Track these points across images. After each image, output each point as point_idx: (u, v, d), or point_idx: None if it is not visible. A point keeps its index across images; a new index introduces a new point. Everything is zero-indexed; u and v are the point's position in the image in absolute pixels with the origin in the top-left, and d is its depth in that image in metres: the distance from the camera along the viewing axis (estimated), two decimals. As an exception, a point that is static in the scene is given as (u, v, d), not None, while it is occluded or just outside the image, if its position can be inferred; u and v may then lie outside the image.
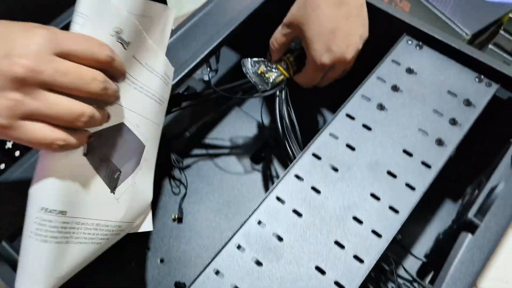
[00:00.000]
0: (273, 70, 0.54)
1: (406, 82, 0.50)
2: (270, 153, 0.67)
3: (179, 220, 0.61)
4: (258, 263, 0.41)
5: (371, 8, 0.53)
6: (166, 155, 0.64)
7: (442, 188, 0.58)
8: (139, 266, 0.58)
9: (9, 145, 0.55)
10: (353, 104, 0.49)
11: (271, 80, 0.53)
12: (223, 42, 0.56)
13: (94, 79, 0.34)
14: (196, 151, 0.67)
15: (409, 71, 0.51)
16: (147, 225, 0.48)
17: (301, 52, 0.54)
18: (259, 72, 0.54)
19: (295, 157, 0.49)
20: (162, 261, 0.58)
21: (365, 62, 0.52)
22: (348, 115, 0.48)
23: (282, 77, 0.54)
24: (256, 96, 0.56)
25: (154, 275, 0.58)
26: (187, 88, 0.73)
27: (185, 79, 0.54)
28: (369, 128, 0.47)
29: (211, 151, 0.67)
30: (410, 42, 0.53)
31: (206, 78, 0.74)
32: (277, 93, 0.54)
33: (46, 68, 0.32)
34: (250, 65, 0.54)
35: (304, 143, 0.51)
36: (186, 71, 0.53)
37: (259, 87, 0.53)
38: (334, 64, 0.50)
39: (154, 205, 0.62)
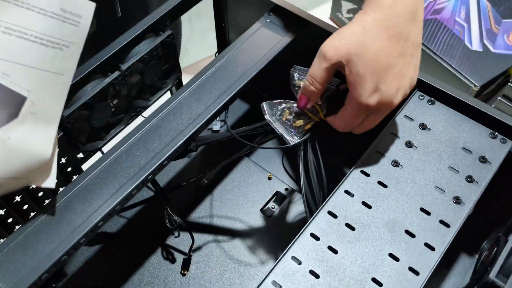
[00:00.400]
0: (301, 116, 0.48)
1: (419, 138, 0.50)
2: (280, 205, 0.66)
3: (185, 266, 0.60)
4: (276, 328, 0.40)
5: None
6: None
7: (458, 242, 0.57)
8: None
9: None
10: (368, 161, 0.49)
11: (300, 130, 0.48)
12: (235, 96, 0.56)
13: None
14: (206, 202, 0.66)
15: (422, 127, 0.51)
16: (49, 182, 0.45)
17: (334, 91, 0.49)
18: (284, 119, 0.49)
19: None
20: (170, 319, 0.57)
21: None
22: (363, 172, 0.48)
23: (311, 123, 0.48)
24: (279, 147, 0.52)
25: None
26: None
27: (198, 132, 0.54)
28: (384, 185, 0.47)
29: (220, 203, 0.66)
30: (422, 97, 0.53)
31: (215, 127, 0.75)
32: (302, 142, 0.48)
33: None
34: (271, 110, 0.49)
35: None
36: (199, 124, 0.53)
37: (287, 138, 0.47)
38: (379, 108, 0.44)
39: (160, 258, 0.61)
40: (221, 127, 0.74)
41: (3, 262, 0.44)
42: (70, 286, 0.60)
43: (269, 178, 0.68)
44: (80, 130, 0.57)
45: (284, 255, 0.43)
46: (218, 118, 0.75)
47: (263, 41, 0.60)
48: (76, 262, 0.62)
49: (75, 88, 0.54)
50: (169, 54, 0.64)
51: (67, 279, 0.61)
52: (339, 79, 0.49)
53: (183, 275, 0.60)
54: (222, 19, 0.73)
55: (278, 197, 0.66)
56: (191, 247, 0.60)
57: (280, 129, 0.48)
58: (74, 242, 0.45)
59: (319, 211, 0.46)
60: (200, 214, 0.65)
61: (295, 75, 0.49)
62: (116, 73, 0.57)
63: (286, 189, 0.67)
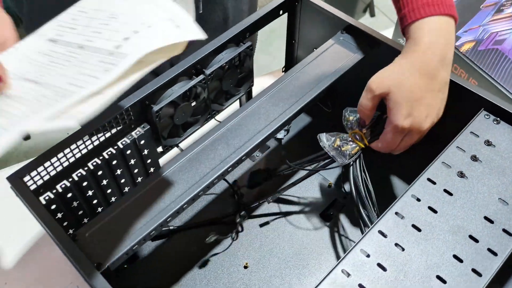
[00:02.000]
0: (348, 142, 0.60)
1: (484, 153, 0.53)
2: (338, 211, 0.70)
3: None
4: (344, 312, 0.43)
5: (454, 84, 0.57)
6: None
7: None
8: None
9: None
10: (434, 170, 0.52)
11: (347, 153, 0.59)
12: (309, 103, 0.61)
13: None
14: (270, 206, 0.71)
15: (488, 143, 0.54)
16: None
17: (375, 123, 0.60)
18: (335, 145, 0.60)
19: (371, 223, 0.52)
20: (231, 306, 0.61)
21: (443, 132, 0.56)
22: (430, 180, 0.51)
23: (357, 148, 0.59)
24: (332, 167, 0.61)
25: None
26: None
27: (272, 135, 0.59)
28: (450, 193, 0.50)
29: (282, 204, 0.70)
30: (487, 116, 0.56)
31: (279, 136, 0.79)
32: (351, 162, 0.58)
33: None
34: (325, 140, 0.60)
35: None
36: (276, 126, 0.58)
37: (338, 160, 0.58)
38: (411, 131, 0.54)
39: (225, 252, 0.66)
40: (284, 136, 0.79)
41: (102, 231, 0.49)
42: (140, 268, 0.65)
43: (329, 186, 0.72)
44: (164, 126, 0.62)
45: (354, 247, 0.47)
46: (282, 127, 0.80)
47: (336, 56, 0.65)
48: (147, 246, 0.67)
49: (165, 87, 0.61)
50: (246, 64, 0.70)
51: (139, 261, 0.66)
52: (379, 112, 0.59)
53: (245, 267, 0.64)
54: (293, 37, 0.78)
55: (337, 204, 0.70)
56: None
57: (332, 152, 0.60)
58: (161, 220, 0.50)
59: (386, 212, 0.49)
60: (263, 212, 0.69)
61: (346, 113, 0.62)
62: (201, 77, 0.63)
63: (345, 197, 0.70)
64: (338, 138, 0.60)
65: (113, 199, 0.63)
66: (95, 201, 0.60)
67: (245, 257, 0.65)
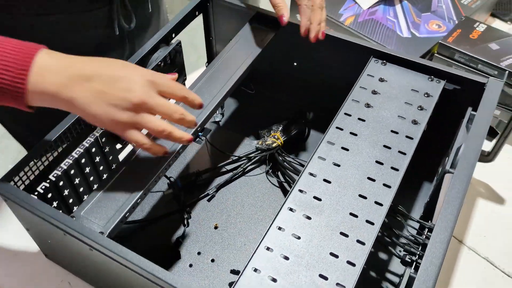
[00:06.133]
0: (267, 141, 0.83)
1: (381, 87, 0.69)
2: (279, 170, 0.82)
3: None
4: (308, 217, 0.55)
5: (350, 43, 0.73)
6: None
7: (421, 172, 0.76)
8: (195, 268, 0.70)
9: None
10: (348, 106, 0.67)
11: (269, 147, 0.82)
12: (233, 87, 0.72)
13: (175, 111, 0.54)
14: (224, 175, 0.82)
15: (381, 80, 0.70)
16: None
17: (284, 127, 0.85)
18: (260, 143, 0.83)
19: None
20: (213, 260, 0.70)
21: (346, 80, 0.71)
22: (346, 114, 0.66)
23: (275, 144, 0.81)
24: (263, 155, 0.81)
25: (209, 273, 0.69)
26: (203, 128, 0.88)
27: (206, 121, 0.69)
28: (363, 120, 0.65)
29: (233, 173, 0.82)
30: (376, 61, 0.72)
31: (217, 119, 0.91)
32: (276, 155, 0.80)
33: (150, 101, 0.53)
34: (255, 140, 0.85)
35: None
36: (207, 114, 0.68)
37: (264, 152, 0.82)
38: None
39: (196, 219, 0.75)
40: (221, 119, 0.91)
41: (95, 207, 0.57)
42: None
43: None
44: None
45: (292, 189, 0.58)
46: (217, 111, 0.91)
47: (250, 42, 0.77)
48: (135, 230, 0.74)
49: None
50: (177, 60, 0.80)
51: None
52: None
53: (216, 227, 0.74)
54: (210, 34, 0.90)
55: (277, 163, 0.82)
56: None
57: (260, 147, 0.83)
58: (141, 193, 0.59)
59: (311, 158, 0.61)
60: (219, 182, 0.80)
61: (262, 133, 0.85)
62: (143, 75, 0.72)
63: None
64: (261, 140, 0.84)
65: (85, 197, 0.70)
66: (71, 200, 0.67)
67: (213, 220, 0.75)
